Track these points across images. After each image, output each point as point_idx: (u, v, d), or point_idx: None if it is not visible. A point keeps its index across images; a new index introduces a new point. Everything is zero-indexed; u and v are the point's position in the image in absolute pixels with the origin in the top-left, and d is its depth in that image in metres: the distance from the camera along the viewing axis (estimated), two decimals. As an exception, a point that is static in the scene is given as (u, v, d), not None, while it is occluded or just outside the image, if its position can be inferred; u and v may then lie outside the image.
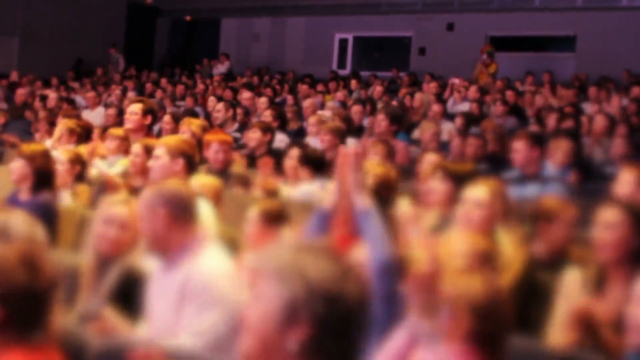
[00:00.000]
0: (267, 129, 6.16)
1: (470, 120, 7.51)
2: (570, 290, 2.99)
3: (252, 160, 5.86)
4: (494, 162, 5.71)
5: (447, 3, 16.37)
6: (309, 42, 18.21)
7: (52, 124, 7.11)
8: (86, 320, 2.89)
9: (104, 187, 4.72)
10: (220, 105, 7.96)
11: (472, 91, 10.46)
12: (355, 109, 8.22)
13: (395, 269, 2.36)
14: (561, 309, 2.97)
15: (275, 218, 3.45)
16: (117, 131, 5.66)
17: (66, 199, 4.74)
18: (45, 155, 4.47)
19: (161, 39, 20.62)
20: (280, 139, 6.85)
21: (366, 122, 8.14)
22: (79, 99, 11.82)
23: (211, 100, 9.76)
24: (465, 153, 5.94)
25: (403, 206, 3.98)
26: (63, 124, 6.06)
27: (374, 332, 2.14)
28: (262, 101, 9.23)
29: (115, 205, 3.25)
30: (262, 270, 1.47)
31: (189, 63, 18.32)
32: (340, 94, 11.22)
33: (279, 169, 5.27)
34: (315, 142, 6.35)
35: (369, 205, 2.55)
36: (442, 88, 11.78)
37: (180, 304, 2.84)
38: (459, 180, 3.71)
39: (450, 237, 3.12)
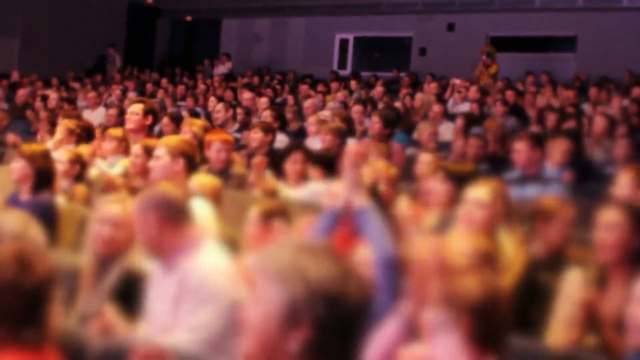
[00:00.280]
0: (268, 129, 6.16)
1: (471, 120, 7.51)
2: (572, 291, 2.99)
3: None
4: (495, 163, 5.71)
5: (447, 3, 16.37)
6: (309, 43, 18.21)
7: (53, 124, 7.11)
8: (86, 320, 2.90)
9: (106, 187, 4.72)
10: (220, 106, 7.96)
11: (473, 91, 10.46)
12: (356, 109, 8.22)
13: (398, 265, 2.37)
14: (562, 310, 2.97)
15: (276, 218, 3.46)
16: (116, 131, 5.65)
17: (63, 199, 4.74)
18: (46, 156, 4.47)
19: (162, 39, 20.63)
20: (280, 139, 6.85)
21: (367, 122, 8.14)
22: (79, 99, 11.83)
23: (212, 100, 9.76)
24: (466, 153, 5.94)
25: (403, 206, 3.98)
26: (63, 125, 6.06)
27: (378, 327, 2.14)
28: (263, 101, 9.24)
29: (109, 205, 3.28)
30: (263, 271, 1.46)
31: (189, 63, 18.33)
32: (340, 95, 11.22)
33: (278, 169, 5.27)
34: (315, 142, 6.35)
35: (366, 203, 2.55)
36: (443, 89, 11.78)
37: (177, 304, 2.85)
38: (459, 180, 3.71)
39: (451, 237, 3.12)
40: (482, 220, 3.31)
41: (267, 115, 7.40)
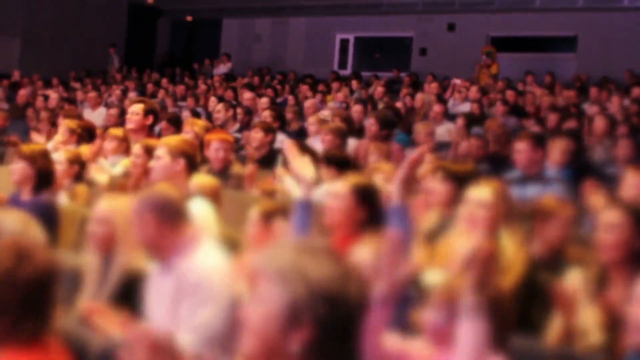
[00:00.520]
0: (269, 130, 6.19)
1: (472, 120, 7.51)
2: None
3: (255, 161, 5.88)
4: (495, 162, 5.71)
5: (448, 3, 16.37)
6: (310, 43, 18.21)
7: (53, 124, 7.11)
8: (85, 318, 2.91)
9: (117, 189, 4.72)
10: (220, 106, 7.96)
11: (473, 91, 10.47)
12: (356, 109, 8.22)
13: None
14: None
15: (276, 218, 3.46)
16: (116, 131, 5.66)
17: (64, 199, 4.74)
18: (45, 155, 4.48)
19: (162, 39, 20.64)
20: (280, 139, 6.86)
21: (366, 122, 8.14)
22: (80, 99, 11.83)
23: (212, 100, 9.77)
24: (466, 153, 5.94)
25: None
26: (64, 125, 6.06)
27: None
28: (263, 101, 9.24)
29: (99, 204, 3.33)
30: (264, 272, 1.47)
31: (190, 63, 18.34)
32: (340, 95, 11.22)
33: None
34: (316, 142, 6.35)
35: (402, 202, 2.56)
36: (444, 89, 11.78)
37: (176, 303, 2.86)
38: (459, 180, 3.71)
39: (452, 237, 3.12)
40: (484, 221, 3.30)
41: (267, 115, 7.40)
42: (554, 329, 2.84)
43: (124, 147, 5.48)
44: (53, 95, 11.10)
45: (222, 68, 16.55)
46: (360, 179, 3.47)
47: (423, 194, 3.94)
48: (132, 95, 11.83)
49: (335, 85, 12.88)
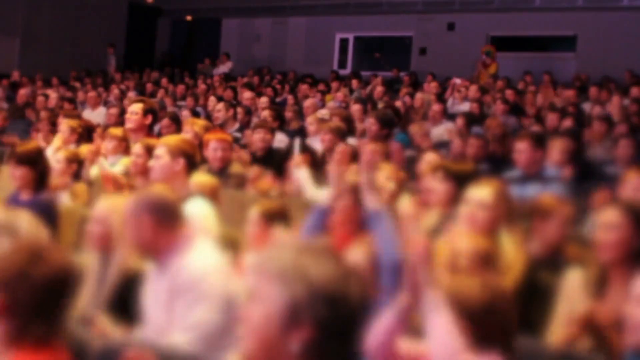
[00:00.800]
0: (270, 130, 6.24)
1: (471, 120, 7.51)
2: (572, 290, 2.99)
3: (256, 160, 5.89)
4: (495, 162, 5.71)
5: (447, 3, 16.37)
6: (309, 42, 18.21)
7: (53, 124, 7.11)
8: (83, 324, 2.91)
9: (109, 185, 4.73)
10: (221, 105, 7.96)
11: (473, 91, 10.46)
12: (356, 108, 8.22)
13: (402, 269, 2.38)
14: (563, 310, 2.97)
15: (276, 218, 3.46)
16: (116, 131, 5.66)
17: (64, 198, 4.75)
18: (41, 154, 4.50)
19: (162, 38, 20.63)
20: (280, 139, 6.87)
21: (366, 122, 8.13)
22: (80, 99, 11.83)
23: (212, 100, 9.76)
24: (466, 153, 5.93)
25: (404, 205, 3.98)
26: (65, 124, 6.07)
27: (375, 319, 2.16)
28: (263, 101, 9.24)
29: (97, 203, 3.37)
30: (264, 272, 1.47)
31: (189, 63, 18.33)
32: (340, 94, 11.22)
33: (278, 169, 5.28)
34: (316, 142, 6.36)
35: (380, 205, 2.56)
36: (444, 88, 11.78)
37: (171, 303, 2.86)
38: (459, 180, 3.71)
39: (452, 237, 3.12)
40: (484, 221, 3.31)
41: (266, 115, 7.40)
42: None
43: (124, 147, 5.48)
44: (53, 95, 11.10)
45: (223, 68, 16.54)
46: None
47: (422, 192, 3.95)
48: (131, 94, 11.83)
49: (334, 84, 12.87)
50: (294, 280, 1.42)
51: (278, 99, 11.57)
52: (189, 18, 20.23)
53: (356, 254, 2.80)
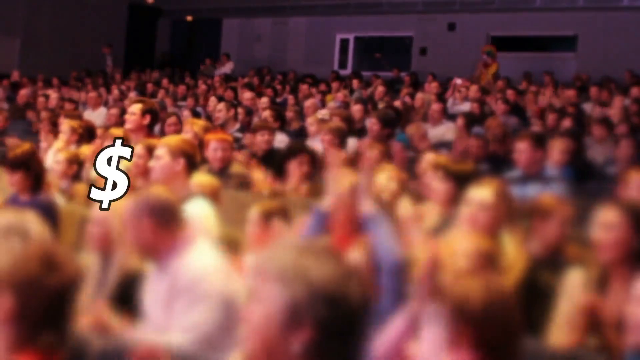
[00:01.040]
0: (272, 130, 6.25)
1: (472, 120, 7.50)
2: (573, 291, 2.98)
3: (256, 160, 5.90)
4: (495, 162, 5.71)
5: (448, 3, 16.37)
6: (310, 43, 18.21)
7: (54, 124, 7.11)
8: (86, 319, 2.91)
9: None
10: (221, 106, 7.96)
11: (473, 91, 10.46)
12: (356, 108, 8.22)
13: (403, 270, 2.38)
14: (564, 310, 2.96)
15: (276, 218, 3.46)
16: (117, 131, 5.66)
17: (62, 198, 4.75)
18: (35, 155, 4.52)
19: (162, 39, 20.62)
20: (280, 139, 6.86)
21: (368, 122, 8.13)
22: (80, 99, 11.83)
23: (212, 100, 9.76)
24: (467, 153, 5.93)
25: (404, 206, 3.98)
26: (66, 124, 6.07)
27: (385, 325, 2.16)
28: (263, 101, 9.24)
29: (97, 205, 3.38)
30: (265, 272, 1.46)
31: (190, 63, 18.32)
32: (340, 95, 11.22)
33: (278, 169, 5.28)
34: (316, 142, 6.35)
35: (376, 209, 2.57)
36: (444, 88, 11.78)
37: (170, 303, 2.87)
38: (460, 180, 3.71)
39: (453, 237, 3.12)
40: (485, 222, 3.30)
41: (267, 115, 7.40)
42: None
43: (124, 147, 5.48)
44: (53, 95, 11.09)
45: (225, 68, 16.54)
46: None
47: (423, 187, 3.96)
48: (131, 95, 11.83)
49: (335, 85, 12.87)
50: (294, 281, 1.41)
51: (278, 99, 11.56)
52: (189, 18, 20.23)
53: (356, 256, 2.81)
